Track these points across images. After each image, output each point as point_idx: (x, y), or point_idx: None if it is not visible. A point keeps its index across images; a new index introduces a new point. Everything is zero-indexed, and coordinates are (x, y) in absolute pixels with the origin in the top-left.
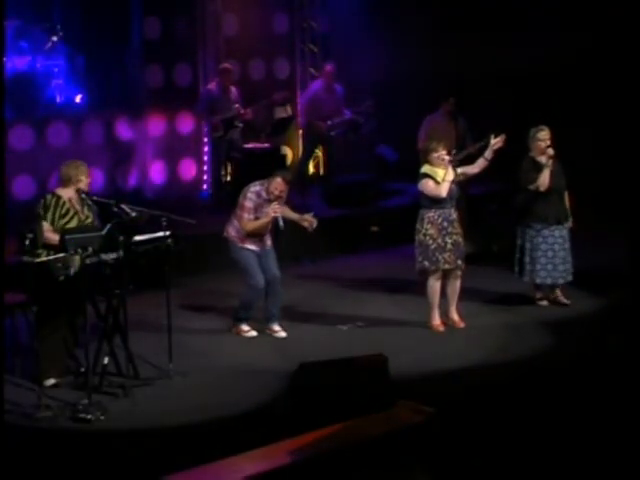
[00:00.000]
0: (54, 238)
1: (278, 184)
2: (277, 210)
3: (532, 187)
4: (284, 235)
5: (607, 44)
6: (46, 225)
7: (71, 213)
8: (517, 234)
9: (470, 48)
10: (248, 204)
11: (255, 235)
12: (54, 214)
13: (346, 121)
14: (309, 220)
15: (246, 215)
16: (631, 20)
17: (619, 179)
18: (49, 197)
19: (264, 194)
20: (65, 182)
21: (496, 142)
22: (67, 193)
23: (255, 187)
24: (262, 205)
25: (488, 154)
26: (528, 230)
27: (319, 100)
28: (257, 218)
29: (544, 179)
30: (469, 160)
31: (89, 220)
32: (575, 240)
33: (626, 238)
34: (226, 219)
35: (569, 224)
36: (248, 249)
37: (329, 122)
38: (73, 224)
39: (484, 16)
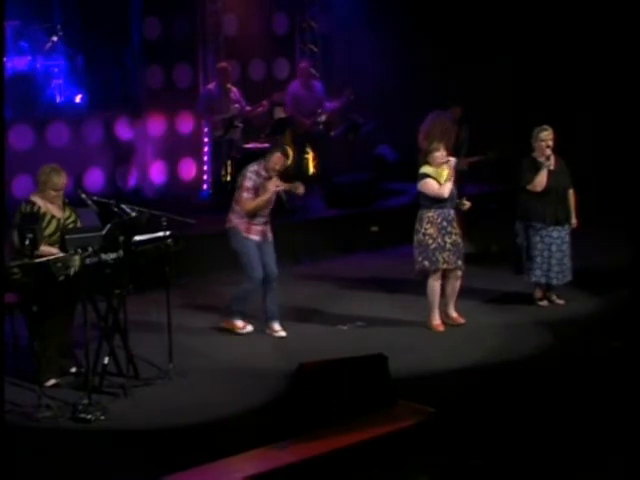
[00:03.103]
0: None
1: (278, 159)
2: (278, 184)
3: (529, 187)
4: (290, 209)
5: (609, 45)
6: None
7: (48, 217)
8: (517, 233)
9: (471, 48)
10: (248, 183)
11: (257, 215)
12: None
13: (331, 112)
14: (298, 186)
15: (245, 194)
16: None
17: (620, 178)
18: (23, 205)
19: (263, 172)
20: (39, 187)
21: (466, 205)
22: (42, 198)
23: (253, 167)
24: (262, 184)
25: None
26: (527, 229)
27: (299, 98)
28: (257, 197)
29: (540, 179)
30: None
31: (71, 220)
32: (576, 239)
33: (627, 237)
34: (225, 219)
35: (572, 224)
36: (251, 239)
37: (313, 119)
38: (51, 229)
39: (484, 16)
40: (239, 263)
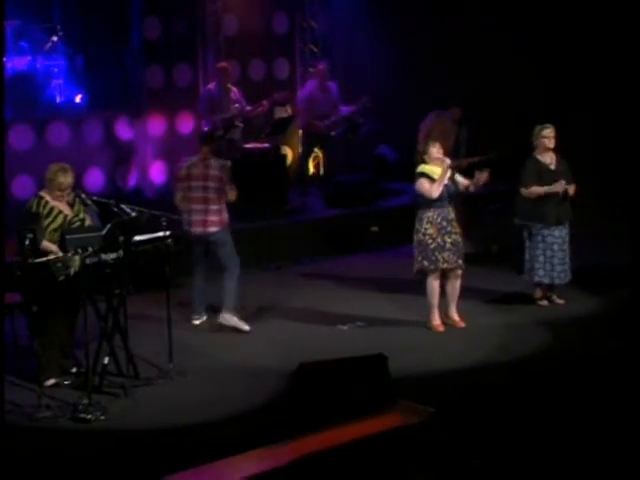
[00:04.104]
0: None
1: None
2: None
3: (525, 192)
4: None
5: (610, 43)
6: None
7: (55, 212)
8: (519, 233)
9: (471, 48)
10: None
11: None
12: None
13: (344, 118)
14: None
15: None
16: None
17: (620, 177)
18: (32, 199)
19: None
20: (46, 184)
21: (482, 176)
22: (50, 194)
23: (223, 160)
24: None
25: (473, 187)
26: (528, 229)
27: (314, 99)
28: None
29: (537, 191)
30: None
31: (78, 218)
32: (576, 239)
33: (627, 237)
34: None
35: (570, 191)
36: None
37: (327, 121)
38: (57, 224)
39: (484, 16)
40: (226, 256)
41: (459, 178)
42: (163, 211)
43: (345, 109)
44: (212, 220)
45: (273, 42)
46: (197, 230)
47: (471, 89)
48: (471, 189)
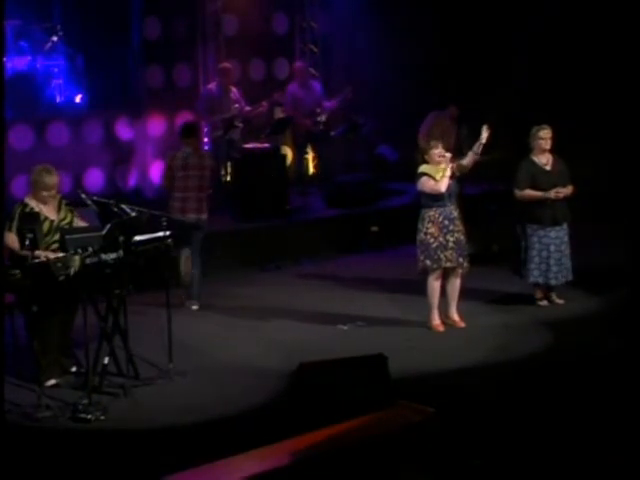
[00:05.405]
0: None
1: None
2: None
3: (517, 193)
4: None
5: (611, 44)
6: (11, 236)
7: (40, 219)
8: (518, 233)
9: (471, 48)
10: None
11: None
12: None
13: (329, 112)
14: None
15: None
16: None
17: (620, 178)
18: (16, 206)
19: None
20: (32, 188)
21: (485, 137)
22: (35, 199)
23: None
24: None
25: (477, 148)
26: (525, 229)
27: (297, 98)
28: None
29: (530, 195)
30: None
31: (65, 222)
32: (575, 239)
33: (626, 237)
34: (225, 219)
35: (568, 189)
36: None
37: (313, 119)
38: (43, 231)
39: (484, 16)
40: (199, 240)
41: (462, 161)
42: (163, 211)
43: (328, 104)
44: (204, 207)
45: (273, 42)
46: (191, 217)
47: (471, 89)
48: (477, 151)
